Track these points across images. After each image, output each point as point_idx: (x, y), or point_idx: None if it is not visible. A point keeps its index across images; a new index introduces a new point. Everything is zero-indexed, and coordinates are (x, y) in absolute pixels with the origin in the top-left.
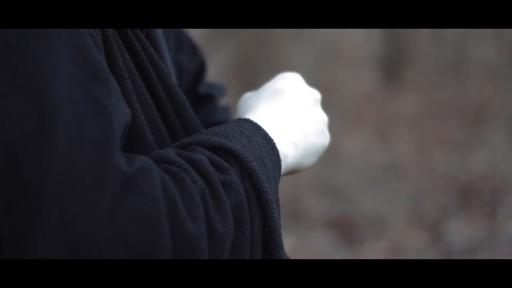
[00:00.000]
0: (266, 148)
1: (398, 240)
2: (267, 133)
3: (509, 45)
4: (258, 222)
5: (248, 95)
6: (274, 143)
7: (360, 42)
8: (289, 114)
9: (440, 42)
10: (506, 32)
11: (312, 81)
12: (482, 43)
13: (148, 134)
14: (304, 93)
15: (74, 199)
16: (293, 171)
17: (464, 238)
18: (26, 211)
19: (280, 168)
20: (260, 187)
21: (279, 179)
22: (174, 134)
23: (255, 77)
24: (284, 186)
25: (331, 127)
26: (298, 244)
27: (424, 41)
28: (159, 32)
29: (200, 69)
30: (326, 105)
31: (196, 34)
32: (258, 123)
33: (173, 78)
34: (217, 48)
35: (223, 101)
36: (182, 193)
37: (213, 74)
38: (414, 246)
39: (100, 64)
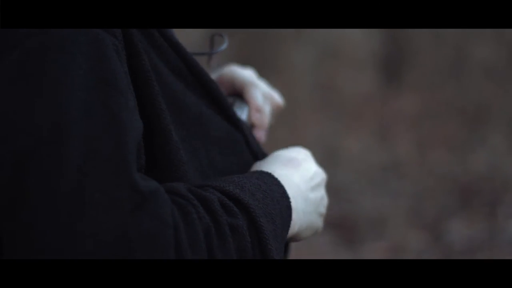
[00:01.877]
0: (281, 205)
1: (398, 240)
2: (285, 191)
3: (509, 45)
4: None
5: (258, 162)
6: (289, 203)
7: (360, 42)
8: (301, 184)
9: (440, 42)
10: (506, 32)
11: (312, 81)
12: (482, 43)
13: (174, 134)
14: (315, 170)
15: (83, 216)
16: (291, 239)
17: (464, 238)
18: (31, 224)
19: (289, 228)
20: (265, 244)
21: (286, 239)
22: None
23: None
24: None
25: (331, 126)
26: (298, 244)
27: (424, 41)
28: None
29: None
30: (326, 105)
31: (196, 34)
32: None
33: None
34: (217, 48)
35: None
36: (186, 226)
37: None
38: (414, 246)
39: (120, 75)
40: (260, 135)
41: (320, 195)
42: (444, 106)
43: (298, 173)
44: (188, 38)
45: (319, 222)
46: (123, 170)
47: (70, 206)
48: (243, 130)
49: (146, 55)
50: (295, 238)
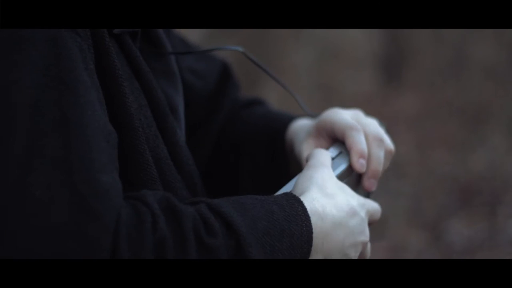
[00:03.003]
0: (294, 240)
1: (398, 240)
2: (309, 224)
3: (509, 45)
4: None
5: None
6: (310, 238)
7: (360, 42)
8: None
9: (440, 42)
10: (506, 32)
11: (312, 81)
12: (482, 43)
13: (141, 132)
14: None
15: (23, 212)
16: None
17: (464, 238)
18: None
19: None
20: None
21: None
22: (165, 133)
23: (255, 77)
24: None
25: None
26: None
27: (424, 41)
28: (161, 33)
29: (225, 72)
30: (326, 105)
31: (196, 34)
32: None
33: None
34: None
35: None
36: (135, 233)
37: None
38: (414, 246)
39: (78, 73)
40: (369, 183)
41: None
42: (444, 106)
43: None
44: (188, 38)
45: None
46: (67, 170)
47: (10, 201)
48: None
49: (116, 55)
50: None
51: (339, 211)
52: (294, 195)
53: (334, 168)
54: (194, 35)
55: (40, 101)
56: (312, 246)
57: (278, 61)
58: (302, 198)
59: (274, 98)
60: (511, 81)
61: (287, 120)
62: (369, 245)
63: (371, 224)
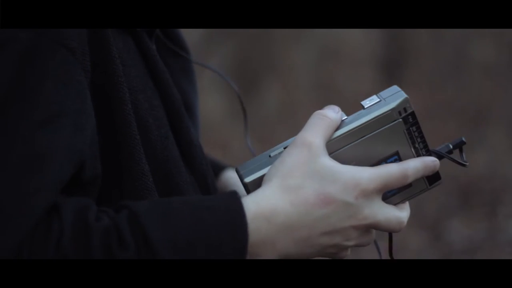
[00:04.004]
0: (224, 249)
1: (398, 240)
2: (243, 248)
3: (509, 45)
4: None
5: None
6: (243, 245)
7: (360, 42)
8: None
9: (440, 42)
10: (506, 32)
11: (312, 81)
12: (482, 43)
13: (138, 141)
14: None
15: None
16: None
17: (464, 238)
18: None
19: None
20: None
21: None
22: (179, 133)
23: (255, 77)
24: None
25: None
26: None
27: (424, 41)
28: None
29: None
30: (326, 105)
31: (196, 34)
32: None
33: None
34: (217, 48)
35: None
36: (37, 248)
37: (213, 74)
38: (414, 246)
39: (49, 86)
40: None
41: (333, 243)
42: (444, 106)
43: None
44: (188, 38)
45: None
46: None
47: None
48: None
49: (119, 60)
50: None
51: (297, 206)
52: (238, 198)
53: (351, 121)
54: (193, 35)
55: None
56: (247, 254)
57: (278, 61)
58: (253, 195)
59: (274, 98)
60: (511, 81)
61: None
62: (381, 219)
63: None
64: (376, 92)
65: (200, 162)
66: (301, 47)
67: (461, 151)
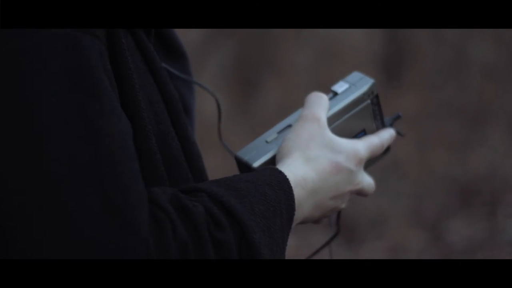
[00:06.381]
0: (283, 219)
1: (398, 240)
2: (293, 205)
3: (509, 45)
4: None
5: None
6: (293, 215)
7: (360, 42)
8: (321, 193)
9: (440, 42)
10: (506, 32)
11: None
12: (482, 43)
13: (150, 132)
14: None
15: (57, 224)
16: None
17: (464, 238)
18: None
19: (288, 235)
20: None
21: (285, 251)
22: (178, 129)
23: (255, 77)
24: None
25: None
26: (298, 244)
27: (424, 41)
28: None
29: None
30: None
31: (196, 34)
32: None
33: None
34: (217, 48)
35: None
36: (158, 241)
37: (213, 74)
38: (414, 246)
39: (99, 78)
40: None
41: (338, 202)
42: (444, 106)
43: (323, 184)
44: (187, 37)
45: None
46: (98, 180)
47: (41, 214)
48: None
49: (129, 53)
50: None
51: (319, 173)
52: (280, 172)
53: (334, 104)
54: (193, 35)
55: (65, 112)
56: (294, 221)
57: (278, 61)
58: (285, 167)
59: (274, 99)
60: (511, 81)
61: None
62: (365, 185)
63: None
64: None
65: (197, 160)
66: (301, 47)
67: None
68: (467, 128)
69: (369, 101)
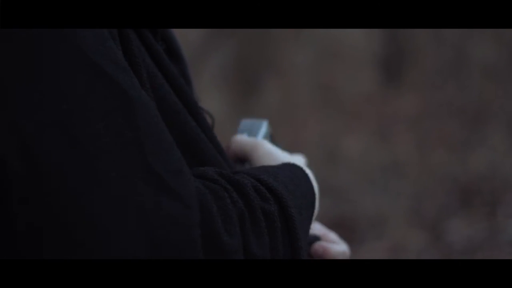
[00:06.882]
0: (307, 201)
1: (398, 240)
2: (313, 188)
3: (509, 45)
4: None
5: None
6: (314, 200)
7: (360, 42)
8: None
9: (440, 42)
10: (506, 32)
11: (312, 81)
12: (482, 43)
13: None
14: None
15: (99, 194)
16: None
17: (464, 238)
18: (47, 204)
19: (311, 222)
20: (294, 234)
21: (308, 233)
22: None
23: (255, 77)
24: None
25: (331, 126)
26: None
27: (424, 41)
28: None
29: None
30: (326, 105)
31: (196, 34)
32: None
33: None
34: (217, 48)
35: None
36: (220, 210)
37: (213, 74)
38: (414, 246)
39: (121, 56)
40: None
41: None
42: (444, 106)
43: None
44: (186, 37)
45: None
46: (139, 150)
47: (83, 185)
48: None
49: (138, 48)
50: None
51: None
52: (294, 164)
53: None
54: (193, 35)
55: (99, 84)
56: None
57: (278, 61)
58: (296, 160)
59: (274, 99)
60: (511, 81)
61: None
62: None
63: None
64: (376, 92)
65: (222, 151)
66: (301, 47)
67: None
68: (467, 128)
69: (269, 140)
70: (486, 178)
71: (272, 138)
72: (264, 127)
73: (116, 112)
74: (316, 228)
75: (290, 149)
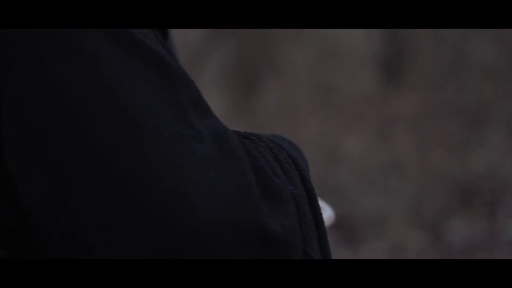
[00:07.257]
0: (306, 164)
1: (398, 240)
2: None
3: (509, 45)
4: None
5: None
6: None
7: (360, 42)
8: None
9: (440, 42)
10: (506, 32)
11: (312, 81)
12: (482, 43)
13: None
14: None
15: (153, 155)
16: None
17: (464, 238)
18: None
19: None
20: (316, 209)
21: None
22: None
23: (255, 77)
24: None
25: (331, 126)
26: None
27: (424, 41)
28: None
29: None
30: (326, 105)
31: (196, 34)
32: None
33: None
34: (217, 48)
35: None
36: (262, 156)
37: (213, 74)
38: (414, 246)
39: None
40: None
41: None
42: (444, 106)
43: None
44: (188, 38)
45: None
46: (185, 112)
47: (134, 145)
48: None
49: None
50: None
51: None
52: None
53: None
54: (193, 35)
55: (135, 55)
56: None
57: (278, 61)
58: None
59: (274, 99)
60: (511, 81)
61: None
62: None
63: None
64: (376, 92)
65: None
66: (301, 47)
67: None
68: (467, 128)
69: None
70: (486, 178)
71: None
72: None
73: (156, 76)
74: None
75: None
